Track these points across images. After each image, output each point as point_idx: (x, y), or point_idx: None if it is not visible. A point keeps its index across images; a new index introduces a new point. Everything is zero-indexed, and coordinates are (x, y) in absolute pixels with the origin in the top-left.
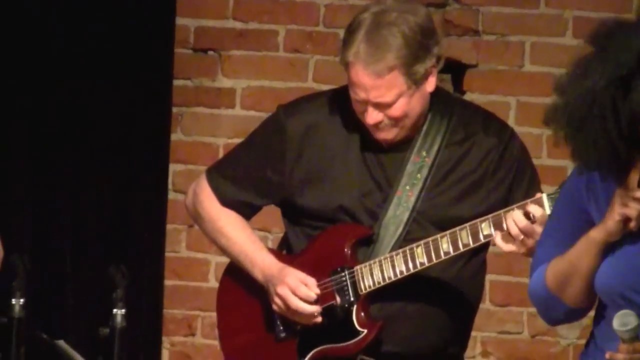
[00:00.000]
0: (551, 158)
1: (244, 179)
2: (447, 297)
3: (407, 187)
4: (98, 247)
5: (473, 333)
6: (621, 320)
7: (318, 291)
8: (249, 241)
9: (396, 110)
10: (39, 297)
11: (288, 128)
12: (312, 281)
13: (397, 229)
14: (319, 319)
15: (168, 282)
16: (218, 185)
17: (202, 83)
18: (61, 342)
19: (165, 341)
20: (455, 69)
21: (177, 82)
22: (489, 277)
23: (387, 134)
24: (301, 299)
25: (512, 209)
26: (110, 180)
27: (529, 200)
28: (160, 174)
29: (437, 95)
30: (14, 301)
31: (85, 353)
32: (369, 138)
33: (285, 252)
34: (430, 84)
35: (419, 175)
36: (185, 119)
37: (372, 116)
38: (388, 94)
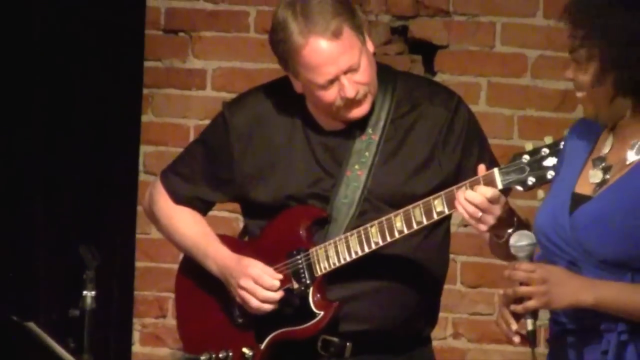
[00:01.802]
0: (522, 139)
1: (196, 175)
2: (409, 272)
3: (356, 167)
4: (69, 227)
5: (444, 314)
6: (517, 238)
7: (281, 277)
8: (201, 234)
9: (364, 72)
10: (8, 278)
11: (232, 124)
12: (271, 270)
13: (349, 209)
14: (283, 294)
15: (139, 264)
16: (171, 184)
17: (173, 64)
18: (31, 324)
19: (136, 323)
20: (426, 50)
21: (147, 64)
22: (460, 259)
23: (365, 105)
24: (266, 288)
25: (465, 185)
26: (81, 161)
27: (480, 177)
28: (131, 155)
29: (379, 70)
30: None
31: (56, 335)
32: (314, 125)
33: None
34: (370, 44)
35: (367, 154)
36: (156, 100)
37: (351, 87)
38: (352, 53)
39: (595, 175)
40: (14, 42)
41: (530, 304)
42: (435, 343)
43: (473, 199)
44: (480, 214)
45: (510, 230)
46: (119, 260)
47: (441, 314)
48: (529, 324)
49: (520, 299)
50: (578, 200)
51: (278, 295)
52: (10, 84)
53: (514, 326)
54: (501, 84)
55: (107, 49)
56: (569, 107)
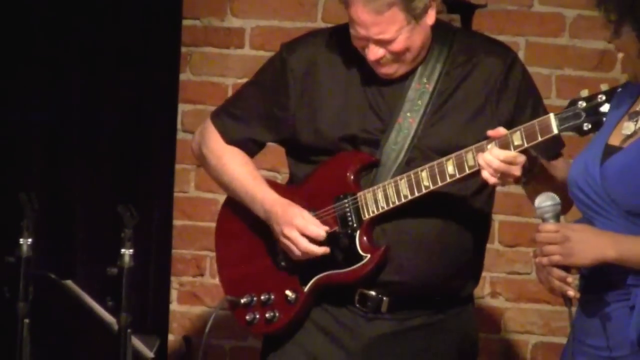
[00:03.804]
0: (560, 98)
1: (249, 116)
2: (454, 227)
3: (408, 114)
4: (107, 186)
5: (482, 273)
6: (541, 199)
7: (327, 228)
8: (249, 177)
9: (397, 45)
10: (47, 236)
11: (290, 64)
12: (317, 221)
13: (398, 155)
14: (328, 250)
15: (177, 222)
16: (223, 125)
17: (211, 23)
18: (69, 282)
19: (174, 281)
20: (464, 10)
21: (186, 22)
22: (497, 218)
23: (389, 69)
24: (310, 239)
25: (519, 130)
26: (119, 120)
27: (536, 121)
28: (169, 113)
29: (437, 26)
30: (21, 241)
31: (94, 293)
32: (370, 71)
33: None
34: (431, 17)
35: (419, 102)
36: (195, 59)
37: (374, 52)
38: (388, 30)
39: (627, 127)
40: (54, 2)
41: (555, 259)
42: None
43: (490, 161)
44: (497, 175)
45: (523, 180)
46: (157, 219)
47: None
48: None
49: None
50: (609, 151)
51: (321, 249)
52: (53, 46)
53: (570, 278)
54: (539, 43)
55: (145, 8)
56: (606, 67)
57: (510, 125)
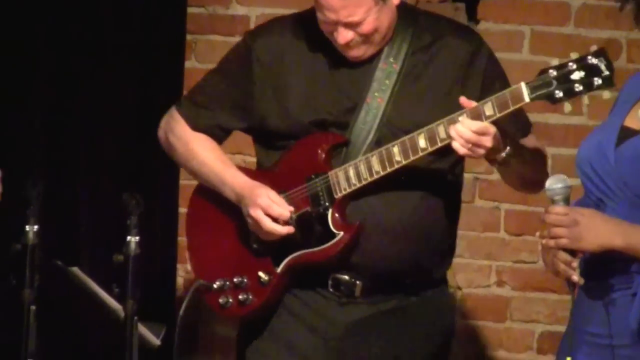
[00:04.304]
0: None
1: (215, 104)
2: (427, 208)
3: (376, 94)
4: (112, 174)
5: (487, 262)
6: (552, 181)
7: (291, 208)
8: (218, 161)
9: (366, 27)
10: (53, 223)
11: (255, 52)
12: (282, 200)
13: (367, 135)
14: (292, 230)
15: (183, 210)
16: (189, 112)
17: (216, 10)
18: (75, 269)
19: (180, 269)
20: None
21: (191, 10)
22: (503, 206)
23: (358, 51)
24: (274, 218)
25: (490, 100)
26: (125, 107)
27: (507, 91)
28: (174, 102)
29: (402, 7)
30: (27, 228)
31: (100, 280)
32: (337, 54)
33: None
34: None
35: (387, 82)
36: (199, 47)
37: (343, 35)
38: (357, 13)
39: None
40: None
41: (562, 241)
42: (478, 291)
43: (461, 132)
44: (469, 146)
45: (503, 154)
46: (162, 206)
47: (484, 262)
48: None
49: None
50: (626, 134)
51: (284, 228)
52: (57, 29)
53: (575, 263)
54: (545, 32)
55: None
56: (612, 56)
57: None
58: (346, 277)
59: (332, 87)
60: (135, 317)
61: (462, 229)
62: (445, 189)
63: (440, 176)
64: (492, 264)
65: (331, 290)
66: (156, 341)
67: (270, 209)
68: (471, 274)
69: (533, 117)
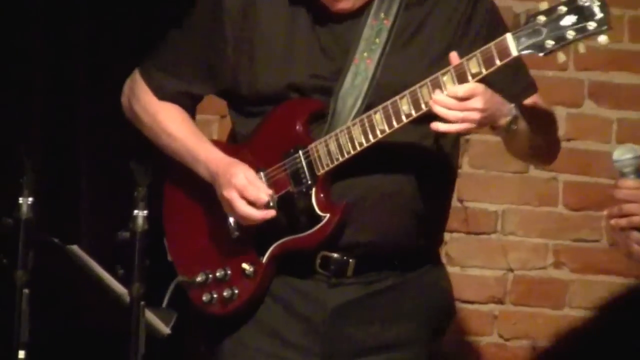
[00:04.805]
0: (633, 42)
1: (181, 67)
2: (417, 178)
3: (365, 54)
4: (118, 139)
5: (543, 240)
6: (620, 152)
7: (270, 191)
8: (191, 135)
9: None
10: (48, 195)
11: (225, 3)
12: (258, 181)
13: (356, 100)
14: (273, 213)
15: None
16: (153, 78)
17: None
18: (74, 248)
19: None
20: None
21: None
22: (562, 177)
23: (346, 3)
24: (250, 202)
25: (475, 56)
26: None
27: (492, 44)
28: None
29: None
30: (21, 200)
31: (102, 260)
32: (318, 7)
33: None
34: None
35: (377, 40)
36: None
37: None
38: None
39: None
40: None
41: (636, 219)
42: (532, 273)
43: (445, 103)
44: (461, 114)
45: (508, 119)
46: None
47: (539, 240)
48: None
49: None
50: None
51: (261, 213)
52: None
53: None
54: None
55: None
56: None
57: None
58: (336, 255)
59: (314, 46)
60: (143, 302)
61: (515, 202)
62: (437, 156)
63: (431, 143)
64: (549, 243)
65: (319, 270)
66: (166, 329)
67: (246, 190)
68: (525, 253)
69: (596, 75)
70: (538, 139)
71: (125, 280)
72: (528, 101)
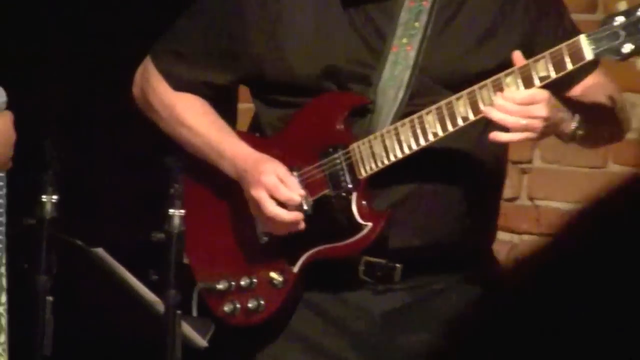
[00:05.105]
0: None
1: (199, 54)
2: (465, 173)
3: (404, 40)
4: (149, 130)
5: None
6: None
7: (303, 192)
8: (214, 128)
9: None
10: (72, 193)
11: None
12: (293, 179)
13: (397, 93)
14: (302, 226)
15: None
16: (168, 67)
17: None
18: (99, 251)
19: None
20: None
21: None
22: None
23: None
24: (281, 202)
25: (543, 57)
26: None
27: (564, 45)
28: None
29: None
30: (44, 198)
31: (131, 264)
32: None
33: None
34: None
35: (416, 24)
36: None
37: None
38: None
39: None
40: None
41: None
42: None
43: (505, 108)
44: (524, 122)
45: (573, 125)
46: None
47: None
48: None
49: None
50: None
51: (292, 215)
52: None
53: None
54: None
55: None
56: None
57: (531, 39)
58: (381, 260)
59: (349, 28)
60: (178, 312)
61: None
62: (485, 148)
63: (479, 134)
64: None
65: (364, 277)
66: (203, 342)
67: (277, 190)
68: None
69: None
70: (610, 130)
71: (159, 287)
72: (588, 81)
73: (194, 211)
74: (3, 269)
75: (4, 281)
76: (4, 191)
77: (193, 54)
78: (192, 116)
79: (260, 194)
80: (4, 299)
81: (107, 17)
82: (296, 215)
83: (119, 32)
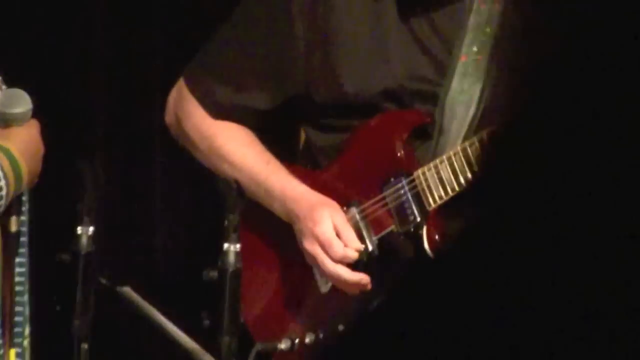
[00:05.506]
0: None
1: (244, 77)
2: None
3: (474, 48)
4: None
5: None
6: None
7: (360, 247)
8: (261, 162)
9: None
10: (106, 224)
11: None
12: (349, 231)
13: (467, 109)
14: (368, 285)
15: None
16: (205, 91)
17: None
18: (127, 290)
19: None
20: None
21: None
22: None
23: None
24: (336, 260)
25: None
26: None
27: None
28: None
29: None
30: (80, 230)
31: (172, 306)
32: None
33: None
34: None
35: (487, 29)
36: None
37: None
38: None
39: None
40: None
41: None
42: None
43: None
44: None
45: None
46: None
47: None
48: None
49: None
50: None
51: (354, 276)
52: None
53: None
54: None
55: None
56: None
57: None
58: None
59: (408, 40)
60: None
61: None
62: None
63: None
64: None
65: None
66: None
67: (331, 248)
68: None
69: None
70: None
71: (211, 333)
72: None
73: (251, 264)
74: (26, 297)
75: (27, 311)
76: (26, 207)
77: (237, 77)
78: (235, 148)
79: (315, 250)
80: (27, 331)
81: (146, 37)
82: (360, 277)
83: (158, 54)
